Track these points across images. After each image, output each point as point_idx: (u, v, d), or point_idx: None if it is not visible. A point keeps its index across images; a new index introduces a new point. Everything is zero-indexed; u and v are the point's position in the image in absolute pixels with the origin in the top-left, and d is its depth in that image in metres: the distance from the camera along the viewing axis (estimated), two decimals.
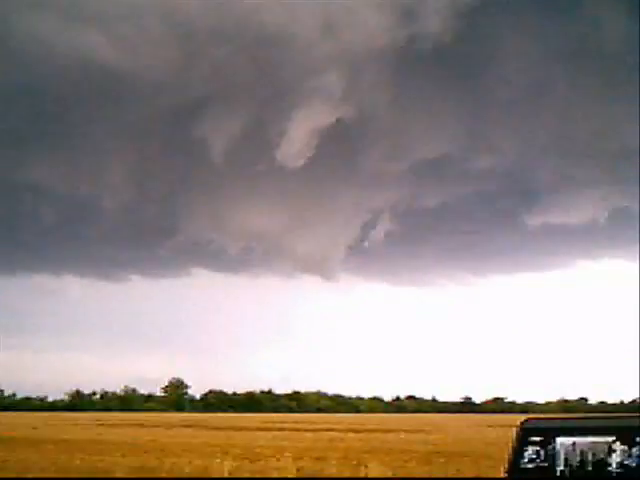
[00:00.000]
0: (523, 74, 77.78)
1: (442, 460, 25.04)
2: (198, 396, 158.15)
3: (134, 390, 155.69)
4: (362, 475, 18.86)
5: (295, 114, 70.91)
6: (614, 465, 9.03)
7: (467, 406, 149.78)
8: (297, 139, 71.26)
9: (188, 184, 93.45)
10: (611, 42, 71.30)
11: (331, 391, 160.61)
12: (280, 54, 69.53)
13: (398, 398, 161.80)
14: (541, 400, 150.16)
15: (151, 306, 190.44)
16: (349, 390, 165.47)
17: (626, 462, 8.93)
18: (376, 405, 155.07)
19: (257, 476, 19.77)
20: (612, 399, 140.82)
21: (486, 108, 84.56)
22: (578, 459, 9.35)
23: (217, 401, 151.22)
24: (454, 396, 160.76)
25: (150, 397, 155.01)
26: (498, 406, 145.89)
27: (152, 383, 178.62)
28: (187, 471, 20.42)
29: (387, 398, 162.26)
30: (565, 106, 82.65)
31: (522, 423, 9.84)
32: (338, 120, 72.90)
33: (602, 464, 9.13)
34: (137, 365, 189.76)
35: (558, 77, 77.78)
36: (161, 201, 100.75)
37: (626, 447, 8.97)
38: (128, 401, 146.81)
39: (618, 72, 76.18)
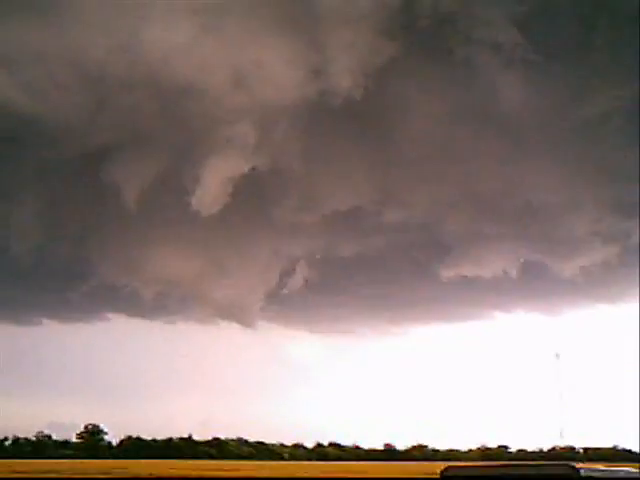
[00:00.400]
0: (429, 133, 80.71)
1: None
2: (115, 442, 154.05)
3: (48, 436, 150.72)
4: None
5: (208, 162, 71.09)
6: None
7: (390, 453, 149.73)
8: (211, 186, 71.32)
9: (100, 229, 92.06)
10: (510, 105, 75.05)
11: (252, 438, 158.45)
12: (191, 103, 69.82)
13: (320, 445, 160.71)
14: (463, 447, 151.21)
15: (64, 350, 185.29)
16: (270, 437, 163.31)
17: None
18: (298, 452, 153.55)
19: None
20: (531, 447, 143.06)
21: (395, 164, 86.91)
22: None
23: (135, 447, 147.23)
24: (377, 443, 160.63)
25: (65, 443, 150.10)
26: (420, 453, 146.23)
27: (67, 429, 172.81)
28: None
29: (309, 445, 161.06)
30: (469, 165, 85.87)
31: (443, 471, 9.82)
32: (252, 169, 73.37)
33: None
34: (51, 410, 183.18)
35: (462, 137, 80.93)
36: (72, 245, 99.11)
37: None
38: (42, 447, 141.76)
39: (519, 133, 79.79)
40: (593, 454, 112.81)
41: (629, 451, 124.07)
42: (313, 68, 68.40)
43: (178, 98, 69.14)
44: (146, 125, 73.42)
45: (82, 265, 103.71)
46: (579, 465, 9.90)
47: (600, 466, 11.08)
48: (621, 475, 11.08)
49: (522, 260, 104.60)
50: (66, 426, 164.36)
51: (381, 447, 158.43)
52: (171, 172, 74.76)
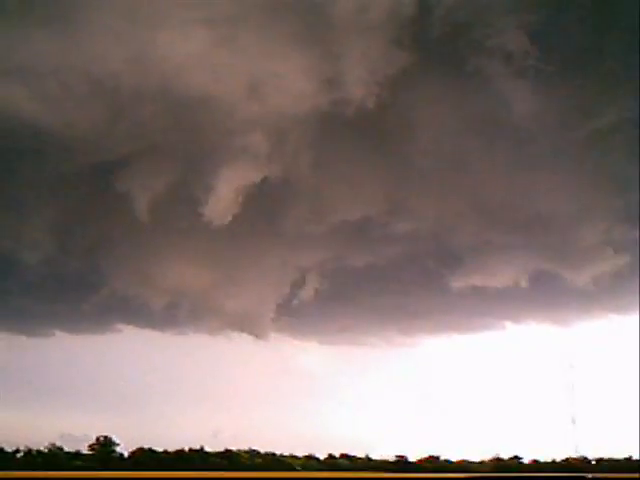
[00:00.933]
0: (439, 144, 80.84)
1: None
2: (126, 454, 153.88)
3: (60, 448, 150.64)
4: None
5: (221, 172, 71.40)
6: None
7: (401, 464, 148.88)
8: (223, 196, 71.67)
9: (112, 240, 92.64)
10: (521, 115, 74.90)
11: (264, 449, 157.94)
12: (205, 113, 70.12)
13: (332, 456, 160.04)
14: (475, 458, 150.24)
15: (76, 362, 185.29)
16: (282, 448, 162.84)
17: None
18: (310, 463, 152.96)
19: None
20: (545, 458, 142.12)
21: (404, 174, 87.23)
22: None
23: (146, 459, 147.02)
24: (388, 454, 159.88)
25: (77, 455, 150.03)
26: (432, 464, 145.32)
27: (78, 440, 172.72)
28: None
29: (321, 456, 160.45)
30: (479, 175, 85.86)
31: None
32: (264, 179, 73.61)
33: None
34: (62, 422, 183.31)
35: (472, 148, 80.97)
36: (84, 256, 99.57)
37: None
38: (53, 459, 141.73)
39: (529, 144, 79.72)
40: (607, 465, 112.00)
41: None
42: (327, 78, 68.77)
43: (192, 108, 69.54)
44: (160, 136, 73.90)
45: (94, 276, 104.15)
46: (591, 476, 9.84)
47: (613, 477, 11.00)
48: None
49: (532, 270, 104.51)
50: (78, 438, 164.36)
51: (393, 458, 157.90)
52: (184, 183, 75.18)
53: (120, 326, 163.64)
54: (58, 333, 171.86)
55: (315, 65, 68.76)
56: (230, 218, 73.24)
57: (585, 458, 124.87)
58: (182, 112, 69.78)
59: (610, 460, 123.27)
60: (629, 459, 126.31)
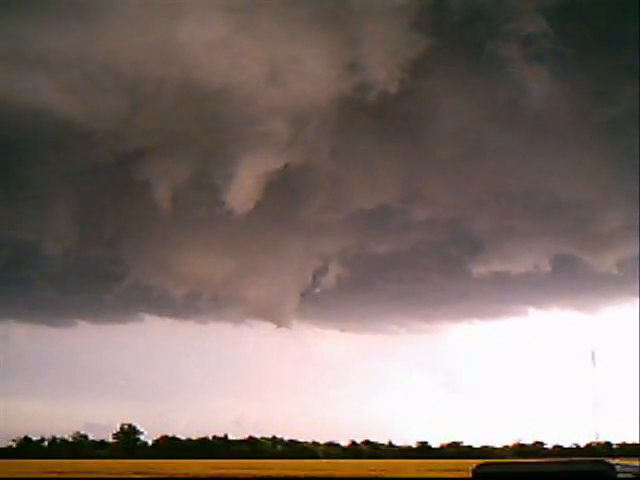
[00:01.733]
0: (458, 131, 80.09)
1: None
2: (150, 442, 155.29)
3: (85, 436, 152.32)
4: None
5: (242, 160, 71.19)
6: None
7: (424, 450, 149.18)
8: (244, 184, 71.40)
9: (134, 230, 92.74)
10: (540, 100, 74.15)
11: (287, 436, 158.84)
12: (226, 101, 69.90)
13: (354, 443, 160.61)
14: (498, 444, 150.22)
15: (99, 351, 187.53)
16: (305, 436, 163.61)
17: None
18: (332, 450, 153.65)
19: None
20: (567, 443, 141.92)
21: (423, 161, 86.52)
22: None
23: (170, 447, 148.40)
24: (410, 440, 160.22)
25: (101, 443, 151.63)
26: (455, 450, 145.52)
27: (103, 429, 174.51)
28: None
29: (343, 443, 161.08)
30: (498, 162, 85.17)
31: (476, 468, 9.73)
32: (285, 166, 73.42)
33: None
34: (87, 411, 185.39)
35: (491, 134, 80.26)
36: (106, 246, 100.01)
37: None
38: (78, 448, 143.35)
39: (549, 129, 78.91)
40: (630, 450, 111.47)
41: None
42: (348, 62, 68.13)
43: (213, 96, 69.31)
44: (181, 125, 73.74)
45: (116, 266, 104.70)
46: (614, 461, 9.78)
47: (636, 462, 10.94)
48: None
49: (554, 255, 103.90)
50: (102, 427, 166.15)
51: (415, 444, 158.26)
52: (204, 171, 75.08)
53: (142, 315, 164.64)
54: (81, 323, 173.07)
55: (336, 50, 68.25)
56: (252, 206, 73.06)
57: (608, 443, 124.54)
58: (203, 100, 69.55)
59: (633, 445, 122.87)
60: None
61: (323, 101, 70.18)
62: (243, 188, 71.02)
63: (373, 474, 55.26)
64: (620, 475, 9.50)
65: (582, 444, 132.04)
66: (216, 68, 67.29)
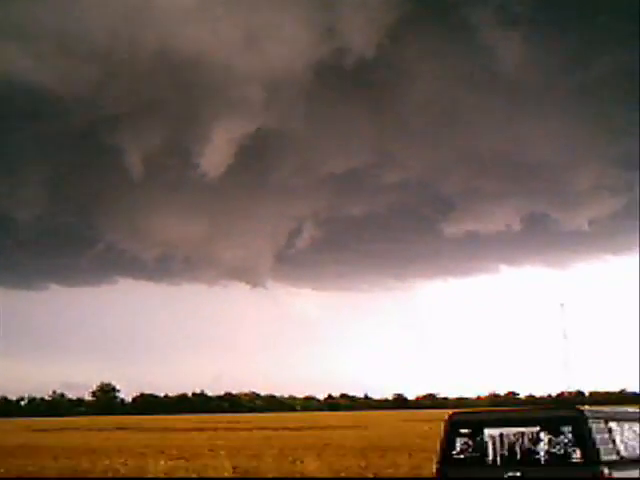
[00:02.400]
0: (432, 95, 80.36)
1: (378, 453, 25.24)
2: (129, 400, 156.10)
3: (62, 395, 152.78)
4: (298, 469, 18.86)
5: (216, 124, 70.92)
6: (541, 453, 9.30)
7: (400, 403, 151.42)
8: (218, 147, 71.18)
9: (107, 195, 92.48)
10: (513, 65, 74.33)
11: (264, 392, 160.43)
12: (202, 67, 69.32)
13: (331, 397, 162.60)
14: (472, 395, 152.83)
15: (75, 313, 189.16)
16: (282, 390, 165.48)
17: (552, 450, 9.19)
18: (310, 404, 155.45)
19: (194, 476, 19.56)
20: (540, 393, 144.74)
21: (396, 126, 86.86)
22: (506, 448, 9.62)
23: (148, 404, 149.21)
24: (386, 393, 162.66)
25: (79, 402, 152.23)
26: (430, 402, 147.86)
27: (81, 388, 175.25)
28: (122, 472, 20.12)
29: (320, 396, 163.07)
30: (471, 125, 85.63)
31: (450, 416, 10.06)
32: (258, 130, 73.12)
33: (529, 452, 9.38)
34: (64, 371, 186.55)
35: (465, 98, 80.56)
36: (80, 212, 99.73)
37: (552, 436, 9.26)
38: (56, 406, 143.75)
39: (522, 93, 79.29)
40: (601, 398, 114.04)
41: (636, 394, 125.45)
42: (325, 27, 67.74)
43: (188, 62, 68.69)
44: (156, 91, 73.12)
45: (89, 231, 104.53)
46: (585, 407, 10.14)
47: (606, 408, 11.34)
48: (625, 415, 11.33)
49: (525, 214, 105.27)
50: (79, 385, 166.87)
51: (391, 397, 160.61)
52: (179, 136, 74.82)
53: (116, 278, 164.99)
54: (53, 286, 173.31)
55: (313, 15, 67.76)
56: (224, 169, 72.82)
57: (579, 392, 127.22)
58: (178, 66, 68.94)
59: (604, 393, 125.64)
60: (622, 392, 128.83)
61: (299, 66, 69.88)
62: (216, 152, 70.91)
63: (350, 425, 56.17)
64: (590, 420, 9.87)
65: (554, 394, 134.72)
66: (192, 34, 66.67)
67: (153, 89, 71.81)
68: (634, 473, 9.92)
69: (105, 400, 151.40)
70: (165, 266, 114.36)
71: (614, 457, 9.85)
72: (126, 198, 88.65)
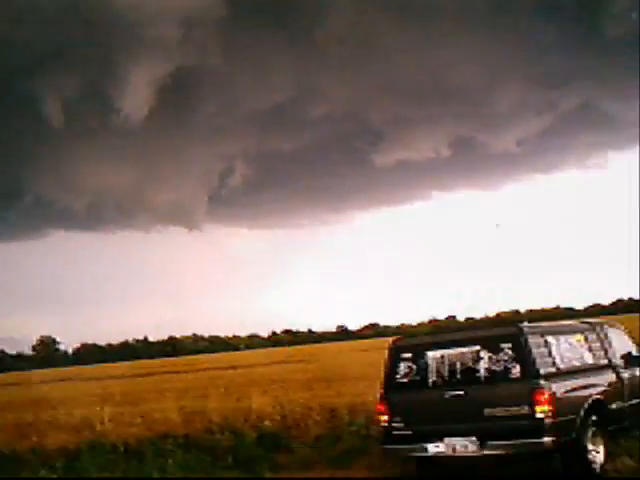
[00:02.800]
0: (348, 24, 79.03)
1: (323, 385, 25.57)
2: (70, 351, 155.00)
3: (2, 351, 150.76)
4: (245, 405, 18.93)
5: (134, 66, 68.67)
6: (482, 371, 9.52)
7: (343, 334, 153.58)
8: (138, 90, 69.11)
9: (29, 146, 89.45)
10: None
11: (207, 333, 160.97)
12: (112, 7, 66.77)
13: (275, 333, 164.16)
14: (413, 322, 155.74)
15: (9, 267, 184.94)
16: (225, 331, 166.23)
17: (492, 367, 9.42)
18: (254, 343, 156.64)
19: (138, 420, 19.48)
20: (478, 315, 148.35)
21: (316, 59, 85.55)
22: (448, 369, 9.83)
23: (91, 354, 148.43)
24: (329, 326, 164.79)
25: (20, 356, 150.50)
26: (373, 331, 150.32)
27: (20, 342, 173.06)
28: (66, 421, 19.92)
29: (263, 334, 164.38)
30: (390, 55, 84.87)
31: (393, 342, 10.17)
32: (177, 69, 71.22)
33: (471, 371, 9.60)
34: (2, 326, 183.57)
35: (381, 26, 79.56)
36: (3, 164, 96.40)
37: (492, 354, 9.47)
38: None
39: (438, 19, 78.72)
40: (538, 315, 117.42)
41: (570, 309, 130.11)
42: None
43: (97, 3, 66.09)
44: (65, 35, 70.29)
45: (14, 183, 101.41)
46: (523, 325, 10.37)
47: (543, 324, 11.62)
48: (561, 328, 11.63)
49: (453, 139, 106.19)
50: (18, 340, 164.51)
51: (334, 329, 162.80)
52: (97, 80, 72.29)
53: (48, 230, 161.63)
54: None
55: None
56: (147, 112, 70.92)
57: (517, 311, 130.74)
58: (87, 8, 66.19)
59: (540, 310, 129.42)
60: (557, 308, 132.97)
61: (212, 0, 67.84)
62: (137, 94, 68.74)
63: (294, 359, 56.84)
64: (528, 336, 10.07)
65: (492, 314, 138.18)
66: None
67: (63, 34, 68.99)
68: (570, 383, 10.25)
69: (47, 353, 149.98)
70: (97, 216, 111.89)
71: (552, 369, 10.13)
72: (49, 148, 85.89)
